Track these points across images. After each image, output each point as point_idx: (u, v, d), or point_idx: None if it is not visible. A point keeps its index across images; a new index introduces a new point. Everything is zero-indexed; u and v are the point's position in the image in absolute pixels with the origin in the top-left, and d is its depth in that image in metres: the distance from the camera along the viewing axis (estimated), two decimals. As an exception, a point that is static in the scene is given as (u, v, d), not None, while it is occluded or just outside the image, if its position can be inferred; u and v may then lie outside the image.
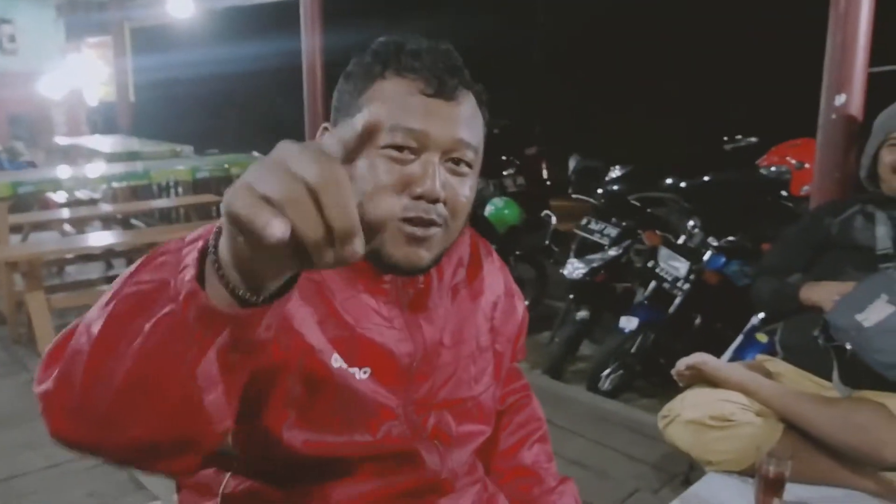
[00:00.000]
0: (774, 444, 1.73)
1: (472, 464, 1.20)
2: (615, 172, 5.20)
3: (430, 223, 0.97)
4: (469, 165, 1.02)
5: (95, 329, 0.72)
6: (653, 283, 3.83)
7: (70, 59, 9.91)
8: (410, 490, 1.06)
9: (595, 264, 4.16)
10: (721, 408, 1.79)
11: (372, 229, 0.65)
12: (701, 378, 1.93)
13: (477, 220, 4.78)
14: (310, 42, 5.61)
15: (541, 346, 4.46)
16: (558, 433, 3.18)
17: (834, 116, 2.68)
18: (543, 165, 7.18)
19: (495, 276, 1.23)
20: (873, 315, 1.74)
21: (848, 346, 1.77)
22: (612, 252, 4.21)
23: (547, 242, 5.12)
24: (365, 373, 1.00)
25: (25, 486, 2.81)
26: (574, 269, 4.17)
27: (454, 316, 1.13)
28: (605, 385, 3.80)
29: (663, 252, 3.81)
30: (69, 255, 5.61)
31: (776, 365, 2.06)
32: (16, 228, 5.75)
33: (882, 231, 2.01)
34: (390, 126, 0.95)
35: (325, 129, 1.05)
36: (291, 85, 5.99)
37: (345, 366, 0.99)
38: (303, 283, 0.90)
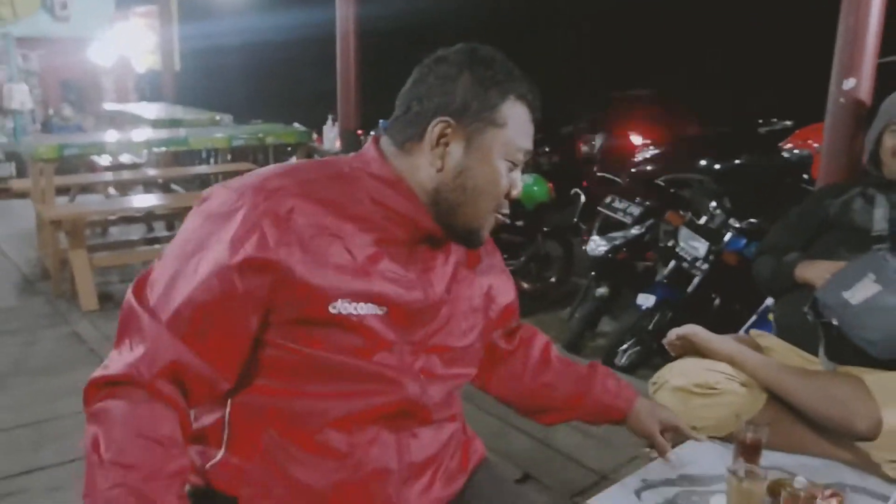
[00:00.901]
0: (756, 414, 1.80)
1: (453, 402, 1.34)
2: (646, 153, 5.20)
3: None
4: None
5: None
6: (672, 263, 3.88)
7: (118, 28, 10.14)
8: (394, 412, 1.21)
9: (617, 242, 4.21)
10: (706, 377, 1.86)
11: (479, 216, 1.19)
12: (692, 349, 2.00)
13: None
14: (344, 10, 5.64)
15: (561, 321, 4.54)
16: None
17: (842, 100, 2.69)
18: (578, 144, 7.21)
19: (491, 255, 1.42)
20: (860, 293, 1.79)
21: (834, 322, 1.83)
22: (635, 230, 4.26)
23: (575, 220, 5.18)
24: (382, 310, 1.16)
25: (60, 429, 2.99)
26: (596, 246, 4.23)
27: (454, 277, 1.30)
28: (622, 360, 3.87)
29: (683, 232, 3.84)
30: (112, 217, 5.83)
31: (767, 339, 2.11)
32: (64, 190, 5.98)
33: (880, 213, 2.04)
34: (516, 146, 1.20)
35: (447, 123, 1.16)
36: (333, 55, 6.06)
37: (353, 307, 1.13)
38: (325, 239, 1.10)
